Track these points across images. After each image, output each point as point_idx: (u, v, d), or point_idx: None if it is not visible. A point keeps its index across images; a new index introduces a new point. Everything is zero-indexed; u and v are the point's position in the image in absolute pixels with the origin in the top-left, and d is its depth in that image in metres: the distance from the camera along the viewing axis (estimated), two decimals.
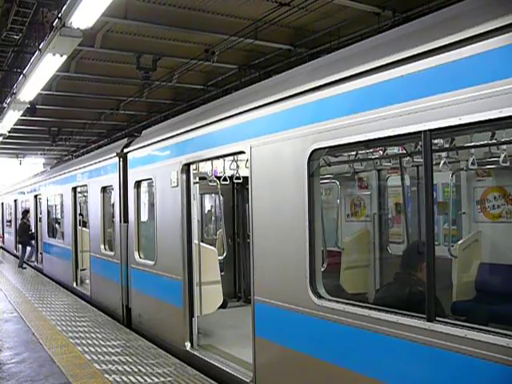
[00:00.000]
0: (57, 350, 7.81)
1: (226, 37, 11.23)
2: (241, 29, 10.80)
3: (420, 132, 3.73)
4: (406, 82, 3.90)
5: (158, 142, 8.47)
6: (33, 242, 19.63)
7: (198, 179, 8.44)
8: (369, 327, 4.16)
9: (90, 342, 8.26)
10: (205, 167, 8.93)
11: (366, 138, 4.23)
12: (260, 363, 5.67)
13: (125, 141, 10.67)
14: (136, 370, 6.83)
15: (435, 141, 5.75)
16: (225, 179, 8.90)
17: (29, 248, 19.69)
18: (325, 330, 4.67)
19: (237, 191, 11.23)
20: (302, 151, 4.91)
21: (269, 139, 5.46)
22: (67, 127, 22.40)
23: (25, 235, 19.53)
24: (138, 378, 6.51)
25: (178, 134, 7.77)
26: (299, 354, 5.01)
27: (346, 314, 4.41)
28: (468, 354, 3.39)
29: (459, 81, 3.47)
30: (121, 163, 10.12)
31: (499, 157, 6.39)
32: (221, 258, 9.01)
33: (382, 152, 7.59)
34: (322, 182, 7.01)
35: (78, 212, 14.31)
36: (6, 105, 14.21)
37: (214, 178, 8.93)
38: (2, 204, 25.44)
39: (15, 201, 25.38)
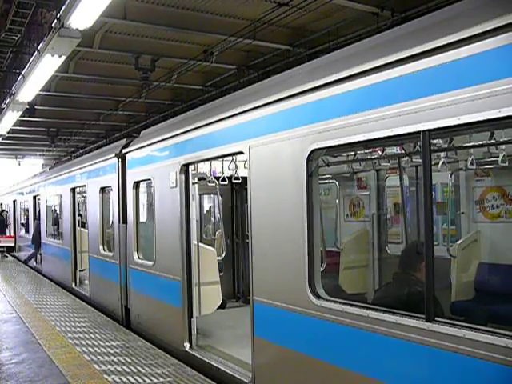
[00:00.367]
0: (56, 350, 7.80)
1: (225, 37, 11.23)
2: (239, 29, 10.81)
3: (419, 132, 3.73)
4: (404, 82, 3.90)
5: (157, 142, 8.46)
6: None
7: (196, 180, 8.44)
8: (368, 327, 4.16)
9: (89, 342, 8.25)
10: (203, 168, 8.93)
11: (364, 138, 4.23)
12: (259, 363, 5.67)
13: (123, 141, 10.66)
14: (135, 370, 6.82)
15: (434, 141, 5.76)
16: (224, 179, 8.89)
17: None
18: (324, 330, 4.66)
19: (236, 191, 11.23)
20: (300, 151, 4.90)
21: (267, 139, 5.45)
22: (66, 128, 22.41)
23: (39, 236, 19.58)
24: (137, 378, 6.50)
25: (176, 135, 7.77)
26: (298, 354, 5.01)
27: (344, 314, 4.40)
28: (467, 355, 3.39)
29: (458, 81, 3.47)
30: (119, 164, 10.12)
31: (498, 157, 6.39)
32: (220, 258, 9.00)
33: (380, 152, 7.60)
34: (320, 182, 7.01)
35: (77, 213, 14.32)
36: (4, 105, 14.20)
37: (213, 179, 8.92)
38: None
39: (14, 201, 25.38)
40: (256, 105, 5.70)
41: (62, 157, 31.22)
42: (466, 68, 3.45)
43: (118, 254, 10.14)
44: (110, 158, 10.56)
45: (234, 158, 8.17)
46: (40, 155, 30.91)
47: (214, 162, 8.68)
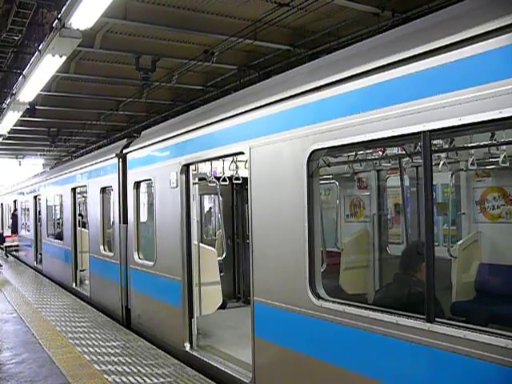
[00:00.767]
0: (56, 350, 7.81)
1: (226, 37, 11.23)
2: (240, 29, 10.80)
3: (420, 132, 3.73)
4: (405, 82, 3.90)
5: (158, 142, 8.47)
6: None
7: (197, 180, 8.44)
8: (368, 328, 4.16)
9: (89, 342, 8.25)
10: (204, 168, 8.93)
11: (365, 139, 4.23)
12: (259, 364, 5.67)
13: (124, 141, 10.66)
14: (135, 370, 6.83)
15: (435, 141, 5.76)
16: (224, 180, 8.90)
17: None
18: (324, 330, 4.66)
19: (236, 192, 11.23)
20: (301, 152, 4.90)
21: (268, 140, 5.45)
22: (67, 128, 22.40)
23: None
24: (138, 378, 6.50)
25: (177, 135, 7.77)
26: (298, 355, 5.01)
27: (345, 314, 4.40)
28: (467, 355, 3.39)
29: (459, 81, 3.47)
30: (120, 164, 10.13)
31: (499, 157, 6.39)
32: (220, 258, 9.01)
33: (381, 152, 7.60)
34: (321, 182, 7.01)
35: (78, 212, 14.32)
36: (5, 105, 14.21)
37: (214, 179, 8.93)
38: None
39: (15, 201, 25.39)
40: (257, 105, 5.70)
41: (62, 157, 31.21)
42: (467, 69, 3.45)
43: (119, 254, 10.14)
44: (111, 158, 10.56)
45: (235, 158, 8.18)
46: (41, 155, 30.89)
47: (214, 162, 8.68)
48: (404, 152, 7.07)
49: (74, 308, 11.28)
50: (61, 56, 9.01)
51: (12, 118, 14.48)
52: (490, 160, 6.87)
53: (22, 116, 14.83)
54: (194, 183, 7.77)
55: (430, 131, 3.68)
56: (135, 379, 6.47)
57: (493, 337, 3.27)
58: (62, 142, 25.14)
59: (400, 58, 3.91)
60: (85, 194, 14.17)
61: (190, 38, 11.85)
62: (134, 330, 9.28)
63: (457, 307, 6.62)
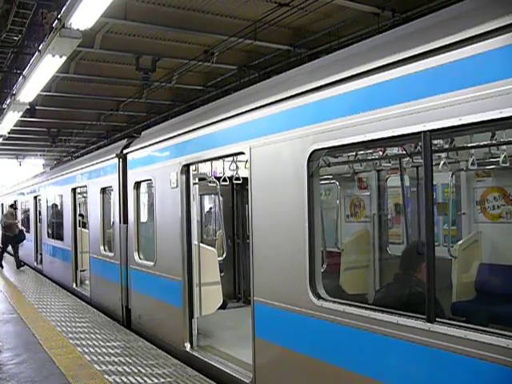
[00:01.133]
0: (57, 350, 7.81)
1: (226, 37, 11.22)
2: (240, 29, 10.80)
3: (420, 132, 3.73)
4: (405, 82, 3.89)
5: (158, 142, 8.46)
6: None
7: (197, 180, 8.44)
8: (368, 328, 4.16)
9: (89, 342, 8.25)
10: (204, 168, 8.93)
11: (365, 139, 4.23)
12: (260, 364, 5.66)
13: (124, 142, 10.66)
14: (136, 370, 6.83)
15: (435, 141, 5.76)
16: (224, 180, 8.89)
17: None
18: (325, 330, 4.66)
19: (236, 192, 11.23)
20: (301, 152, 4.90)
21: (268, 140, 5.45)
22: (67, 128, 22.39)
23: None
24: (138, 378, 6.50)
25: (177, 135, 7.77)
26: (299, 355, 5.01)
27: (345, 314, 4.40)
28: (468, 355, 3.39)
29: (459, 81, 3.47)
30: (120, 164, 10.13)
31: (499, 157, 6.39)
32: (220, 258, 9.00)
33: (381, 152, 7.59)
34: (321, 182, 7.01)
35: (78, 213, 14.32)
36: (5, 106, 14.21)
37: (214, 179, 8.92)
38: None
39: (15, 202, 25.37)
40: (257, 105, 5.69)
41: (62, 157, 31.21)
42: (467, 68, 3.45)
43: (119, 255, 10.14)
44: (111, 158, 10.56)
45: (235, 158, 8.17)
46: (41, 155, 30.90)
47: (214, 162, 8.68)
48: (404, 152, 7.07)
49: (74, 308, 11.28)
50: (61, 56, 9.01)
51: (12, 118, 14.49)
52: (491, 160, 6.87)
53: (22, 116, 14.84)
54: (194, 183, 7.76)
55: (430, 131, 3.67)
56: (135, 379, 6.47)
57: (493, 337, 3.27)
58: (62, 143, 25.13)
59: (400, 57, 3.91)
60: (85, 195, 14.16)
61: (190, 38, 11.85)
62: (134, 331, 9.28)
63: (457, 307, 6.62)
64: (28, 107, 13.76)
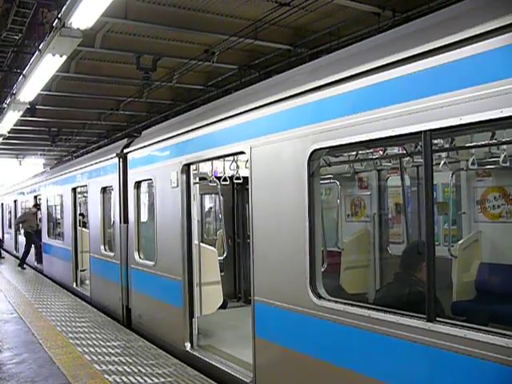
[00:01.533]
0: (57, 350, 7.81)
1: (226, 37, 11.23)
2: (241, 29, 10.80)
3: (420, 132, 3.73)
4: (406, 82, 3.89)
5: (158, 142, 8.46)
6: None
7: (198, 179, 8.43)
8: (369, 327, 4.16)
9: (90, 342, 8.25)
10: (205, 167, 8.93)
11: (366, 138, 4.23)
12: (260, 364, 5.66)
13: (124, 141, 10.66)
14: (136, 370, 6.83)
15: (435, 141, 5.75)
16: (225, 179, 8.89)
17: None
18: (325, 330, 4.66)
19: (237, 191, 11.23)
20: (302, 151, 4.90)
21: (269, 139, 5.45)
22: (67, 128, 22.40)
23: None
24: (138, 378, 6.50)
25: (178, 135, 7.77)
26: (299, 355, 5.01)
27: (346, 314, 4.40)
28: (468, 355, 3.39)
29: (460, 81, 3.47)
30: (121, 164, 10.12)
31: (499, 157, 6.39)
32: (221, 258, 9.01)
33: (382, 152, 7.59)
34: (322, 182, 7.01)
35: (79, 212, 14.33)
36: (5, 105, 14.21)
37: (214, 179, 8.92)
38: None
39: (15, 201, 25.38)
40: (257, 105, 5.69)
41: (63, 157, 31.22)
42: (467, 68, 3.45)
43: (119, 254, 10.14)
44: (111, 157, 10.56)
45: (236, 157, 8.18)
46: (41, 155, 30.89)
47: (215, 161, 8.68)
48: (405, 151, 7.07)
49: (74, 308, 11.28)
50: (61, 56, 9.01)
51: (12, 117, 14.49)
52: (491, 159, 6.86)
53: (22, 116, 14.83)
54: (194, 183, 7.76)
55: (430, 131, 3.67)
56: (136, 379, 6.47)
57: (493, 336, 3.27)
58: (62, 142, 25.15)
59: (400, 57, 3.91)
60: (85, 194, 14.16)
61: (190, 37, 11.86)
62: (134, 330, 9.28)
63: (457, 306, 6.62)
64: (28, 107, 13.76)
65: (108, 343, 8.21)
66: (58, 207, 16.40)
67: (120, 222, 10.12)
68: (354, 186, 9.78)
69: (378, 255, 8.56)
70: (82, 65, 13.69)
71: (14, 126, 16.44)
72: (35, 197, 19.89)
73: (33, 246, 19.04)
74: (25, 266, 19.14)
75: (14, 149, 28.34)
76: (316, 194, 4.94)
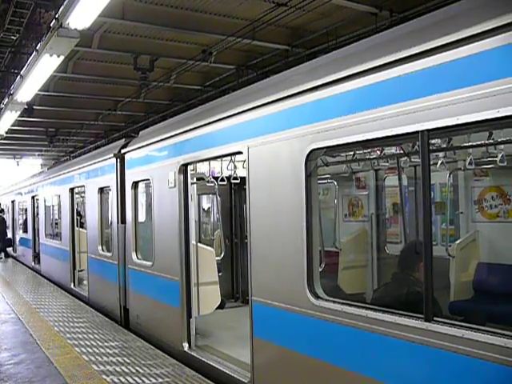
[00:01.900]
0: (54, 351, 7.80)
1: (224, 37, 11.23)
2: (238, 29, 10.80)
3: (417, 132, 3.73)
4: (403, 82, 3.90)
5: (156, 142, 8.46)
6: None
7: (195, 180, 8.44)
8: (367, 327, 4.16)
9: (87, 342, 8.24)
10: (202, 168, 8.92)
11: (363, 138, 4.23)
12: (258, 364, 5.66)
13: (122, 141, 10.66)
14: (134, 370, 6.82)
15: (433, 141, 5.76)
16: (222, 180, 8.89)
17: None
18: (323, 330, 4.66)
19: (234, 192, 11.23)
20: (299, 151, 4.90)
21: (266, 139, 5.45)
22: (64, 128, 22.38)
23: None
24: (136, 378, 6.49)
25: (175, 135, 7.77)
26: (297, 355, 5.01)
27: (343, 314, 4.40)
28: (466, 354, 3.39)
29: (456, 81, 3.48)
30: (118, 164, 10.11)
31: (496, 156, 6.40)
32: (218, 258, 9.01)
33: (379, 152, 7.60)
34: (319, 182, 7.01)
35: (76, 212, 14.31)
36: (3, 105, 14.17)
37: (212, 179, 8.92)
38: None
39: (12, 202, 25.36)
40: (255, 105, 5.69)
41: (60, 157, 31.19)
42: (464, 68, 3.45)
43: (117, 255, 10.13)
44: (109, 158, 10.55)
45: (233, 158, 8.18)
46: (38, 155, 30.88)
47: (212, 162, 8.67)
48: (402, 151, 7.08)
49: (72, 308, 11.27)
50: (58, 56, 9.00)
51: (10, 118, 14.45)
52: (488, 159, 6.87)
53: (19, 116, 14.80)
54: (192, 183, 7.77)
55: (427, 130, 3.68)
56: (133, 379, 6.46)
57: (491, 336, 3.27)
58: (60, 142, 25.10)
59: (398, 57, 3.91)
60: (83, 195, 14.15)
61: (187, 37, 11.85)
62: (132, 331, 9.27)
63: (455, 306, 6.63)
64: (26, 107, 13.74)
65: (106, 343, 8.20)
66: (56, 207, 16.39)
67: (118, 223, 10.11)
68: (351, 185, 9.78)
69: (375, 255, 8.57)
70: (80, 65, 13.67)
71: (12, 126, 16.41)
72: (32, 197, 19.85)
73: None
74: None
75: (12, 149, 28.31)
76: (313, 194, 4.94)
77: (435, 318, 3.66)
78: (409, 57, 3.83)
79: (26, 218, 21.77)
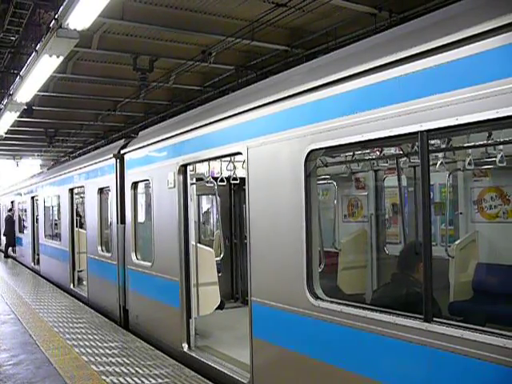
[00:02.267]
0: (54, 351, 7.80)
1: (223, 38, 11.23)
2: (238, 30, 10.81)
3: (417, 132, 3.73)
4: (402, 82, 3.90)
5: (155, 143, 8.46)
6: None
7: (194, 180, 8.43)
8: (366, 328, 4.16)
9: (87, 343, 8.24)
10: (201, 168, 8.92)
11: (363, 139, 4.23)
12: (257, 364, 5.66)
13: (122, 142, 10.65)
14: (133, 371, 6.82)
15: (432, 141, 5.76)
16: (222, 180, 8.89)
17: None
18: (322, 330, 4.66)
19: (234, 192, 11.23)
20: (298, 152, 4.90)
21: (266, 140, 5.45)
22: (64, 128, 22.38)
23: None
24: (136, 379, 6.49)
25: (174, 135, 7.77)
26: (296, 355, 5.01)
27: (343, 314, 4.40)
28: (465, 355, 3.39)
29: (456, 81, 3.48)
30: (118, 164, 10.11)
31: (496, 157, 6.40)
32: (218, 259, 9.00)
33: (378, 152, 7.60)
34: (319, 182, 7.01)
35: (76, 213, 14.30)
36: (2, 106, 14.18)
37: (211, 179, 8.92)
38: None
39: (12, 202, 25.36)
40: (254, 105, 5.69)
41: (60, 157, 31.19)
42: (464, 68, 3.45)
43: (117, 255, 10.12)
44: (109, 158, 10.54)
45: (232, 158, 8.18)
46: (38, 156, 30.86)
47: (212, 162, 8.67)
48: (401, 152, 7.08)
49: (71, 309, 11.27)
50: (58, 56, 9.00)
51: (9, 118, 14.46)
52: (488, 160, 6.88)
53: (19, 116, 14.81)
54: (191, 184, 7.76)
55: (427, 131, 3.68)
56: (133, 380, 6.46)
57: (490, 336, 3.27)
58: (59, 143, 25.11)
59: (397, 58, 3.91)
60: (82, 195, 14.14)
61: (187, 38, 11.85)
62: (131, 331, 9.27)
63: (454, 307, 6.63)
64: (25, 107, 13.74)
65: (105, 344, 8.20)
66: (56, 208, 16.38)
67: (117, 223, 10.11)
68: (350, 186, 9.78)
69: (375, 255, 8.58)
70: (79, 65, 13.67)
71: (11, 126, 16.42)
72: (32, 197, 19.84)
73: None
74: None
75: (11, 150, 28.31)
76: (313, 195, 4.94)
77: (435, 319, 3.66)
78: (408, 57, 3.83)
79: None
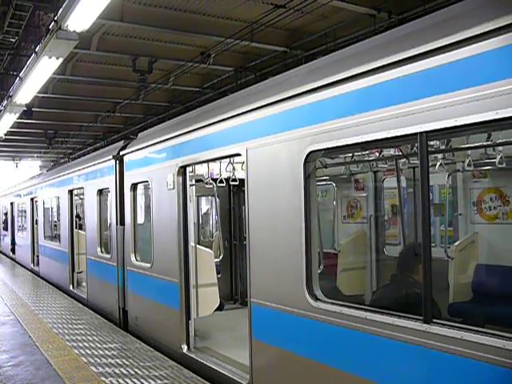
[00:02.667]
0: (53, 352, 7.79)
1: (222, 39, 11.23)
2: (237, 31, 10.80)
3: (416, 134, 3.74)
4: (402, 83, 3.90)
5: (155, 144, 8.46)
6: None
7: (194, 181, 8.44)
8: (365, 329, 4.16)
9: (86, 344, 8.24)
10: (201, 169, 8.93)
11: (362, 140, 4.23)
12: (257, 365, 5.66)
13: (121, 143, 10.65)
14: (133, 372, 6.82)
15: (431, 142, 5.77)
16: (221, 181, 8.89)
17: None
18: (321, 332, 4.66)
19: (233, 193, 11.23)
20: (298, 153, 4.90)
21: (265, 141, 5.45)
22: (63, 130, 22.36)
23: None
24: (135, 380, 6.49)
25: (174, 137, 7.77)
26: (296, 356, 5.01)
27: (342, 316, 4.40)
28: (465, 356, 3.39)
29: (455, 82, 3.48)
30: (117, 166, 10.11)
31: (495, 158, 6.41)
32: (217, 260, 9.00)
33: (378, 154, 7.61)
34: (318, 183, 7.02)
35: (76, 214, 14.30)
36: (2, 107, 14.17)
37: (211, 181, 8.92)
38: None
39: (11, 203, 25.36)
40: (253, 107, 5.70)
41: (59, 159, 31.16)
42: (463, 70, 3.46)
43: (116, 256, 10.12)
44: (108, 160, 10.55)
45: (232, 159, 8.18)
46: (37, 157, 30.84)
47: (211, 164, 8.68)
48: (401, 153, 7.09)
49: (71, 310, 11.26)
50: (57, 58, 8.99)
51: (9, 120, 14.43)
52: (487, 161, 6.88)
53: (18, 118, 14.78)
54: (190, 185, 7.77)
55: (426, 132, 3.68)
56: (132, 381, 6.46)
57: (490, 337, 3.27)
58: (58, 144, 25.11)
59: (396, 59, 3.92)
60: (82, 196, 14.14)
61: (186, 39, 11.85)
62: (131, 332, 9.26)
63: (454, 308, 6.63)
64: (25, 109, 13.70)
65: (105, 345, 8.20)
66: (55, 209, 16.38)
67: (116, 224, 10.11)
68: (350, 187, 9.79)
69: (374, 256, 8.58)
70: (79, 67, 13.66)
71: (11, 128, 16.40)
72: (31, 199, 19.84)
73: None
74: None
75: (11, 151, 28.30)
76: (312, 196, 4.94)
77: (434, 320, 3.66)
78: (407, 59, 3.83)
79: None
